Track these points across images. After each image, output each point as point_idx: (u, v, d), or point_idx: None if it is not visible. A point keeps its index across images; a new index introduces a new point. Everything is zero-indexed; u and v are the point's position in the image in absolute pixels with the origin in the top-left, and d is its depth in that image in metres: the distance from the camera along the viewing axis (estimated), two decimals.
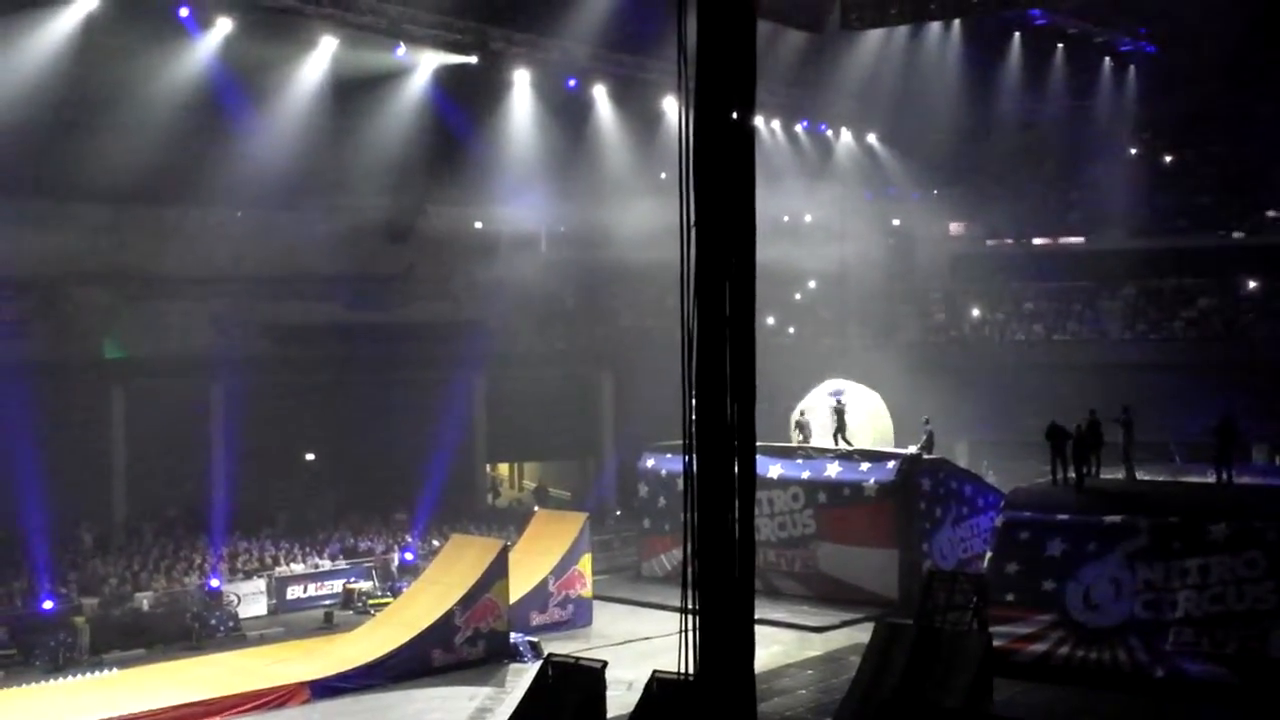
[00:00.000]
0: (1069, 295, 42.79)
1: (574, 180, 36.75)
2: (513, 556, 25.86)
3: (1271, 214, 41.16)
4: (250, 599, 28.12)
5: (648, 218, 31.50)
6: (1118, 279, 41.58)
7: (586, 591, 27.55)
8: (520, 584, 25.85)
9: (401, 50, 31.23)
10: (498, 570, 24.87)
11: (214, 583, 27.62)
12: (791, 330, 43.03)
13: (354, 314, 35.29)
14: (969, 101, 39.95)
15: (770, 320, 40.03)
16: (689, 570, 11.35)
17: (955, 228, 45.59)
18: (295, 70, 30.15)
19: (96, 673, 23.06)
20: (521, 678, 21.73)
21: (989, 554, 24.74)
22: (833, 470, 29.76)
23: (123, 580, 27.09)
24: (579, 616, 27.23)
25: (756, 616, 11.86)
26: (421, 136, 32.59)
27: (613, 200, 36.61)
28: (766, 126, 39.02)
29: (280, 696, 21.58)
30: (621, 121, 36.14)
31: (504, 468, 43.97)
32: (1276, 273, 39.84)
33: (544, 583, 26.70)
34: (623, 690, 17.32)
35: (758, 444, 11.60)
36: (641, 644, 24.85)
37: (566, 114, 35.29)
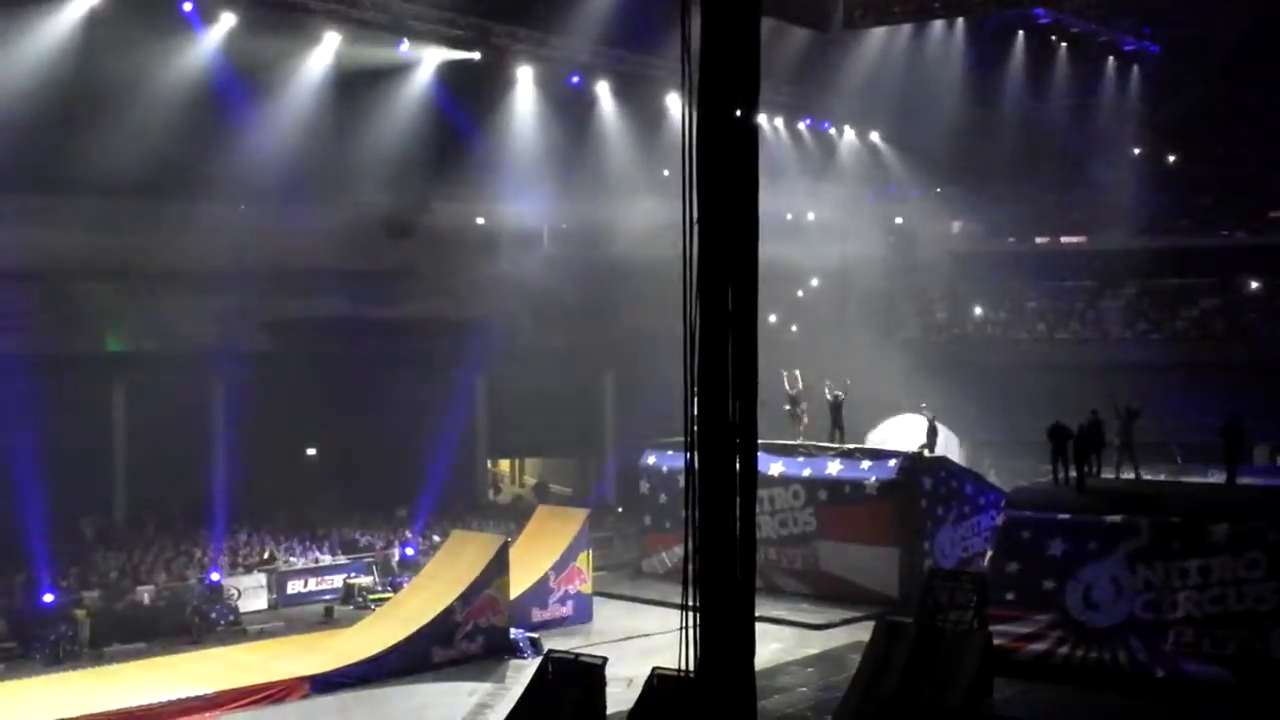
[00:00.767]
0: (1071, 294, 42.79)
1: (577, 177, 36.74)
2: (513, 552, 25.88)
3: (1274, 214, 41.14)
4: (251, 593, 28.14)
5: (650, 215, 31.50)
6: (1119, 278, 41.58)
7: (587, 588, 27.56)
8: (521, 580, 25.87)
9: (405, 46, 31.21)
10: (498, 566, 24.89)
11: (214, 577, 27.64)
12: (794, 328, 43.03)
13: (356, 309, 35.29)
14: (972, 100, 39.94)
15: (772, 318, 40.02)
16: (689, 567, 11.35)
17: (957, 226, 45.59)
18: (298, 65, 30.15)
19: (96, 666, 23.06)
20: (521, 674, 21.74)
21: (989, 553, 24.76)
22: (834, 468, 29.77)
23: (123, 574, 27.10)
24: (579, 613, 27.25)
25: (757, 614, 11.86)
26: (424, 132, 32.57)
27: (615, 197, 36.61)
28: (769, 124, 39.00)
29: (280, 691, 21.60)
30: (624, 118, 36.13)
31: (505, 464, 43.98)
32: (1278, 273, 39.83)
33: (544, 579, 26.71)
34: (622, 687, 17.32)
35: (759, 441, 11.60)
36: (642, 641, 24.85)
37: (569, 111, 35.29)
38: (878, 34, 38.01)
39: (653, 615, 26.43)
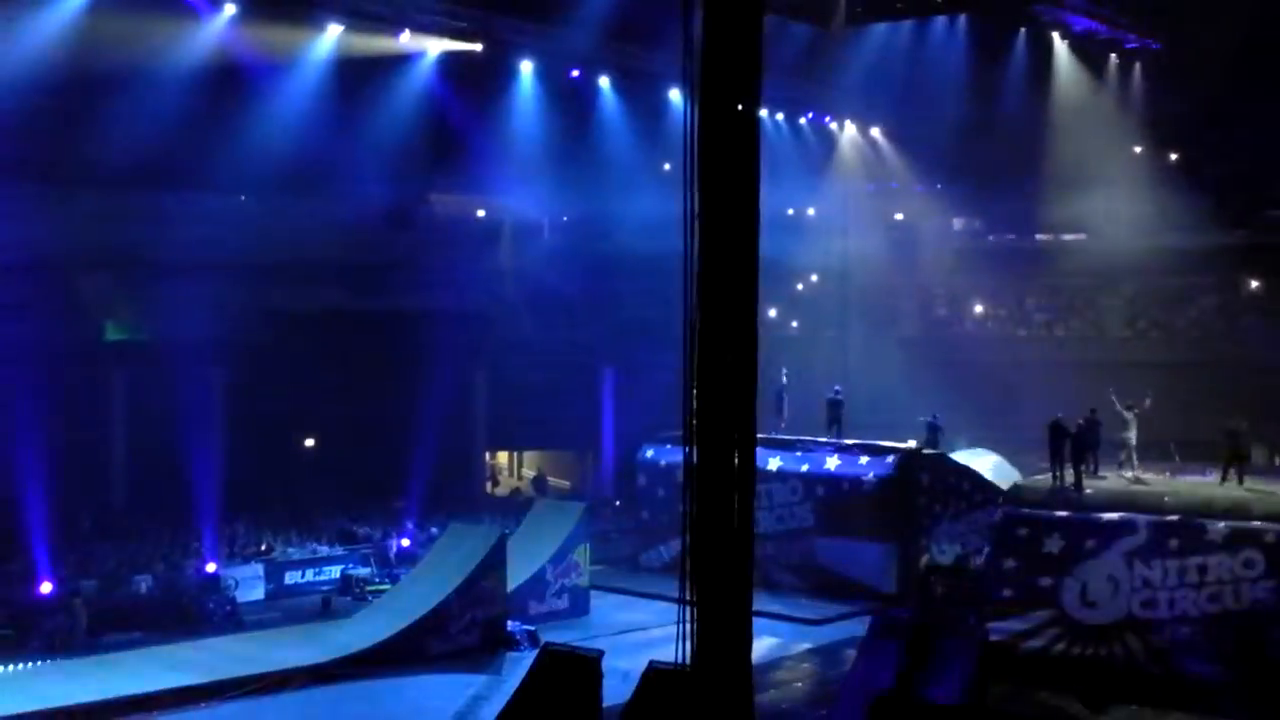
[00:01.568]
0: (1070, 292, 42.75)
1: (577, 170, 36.71)
2: (511, 545, 25.86)
3: (1274, 213, 41.11)
4: (248, 584, 28.12)
5: (651, 209, 31.46)
6: (1119, 276, 41.56)
7: (584, 581, 27.57)
8: (518, 573, 25.87)
9: (406, 37, 31.18)
10: (496, 559, 24.88)
11: (212, 567, 27.63)
12: (795, 324, 43.03)
13: (355, 301, 35.28)
14: (973, 96, 39.88)
15: (772, 313, 40.03)
16: (687, 561, 11.37)
17: (958, 223, 45.56)
18: (300, 55, 30.12)
19: (93, 655, 23.07)
20: (518, 666, 21.73)
21: (987, 549, 24.75)
22: (832, 464, 29.78)
23: (121, 563, 27.11)
24: (576, 606, 27.26)
25: (753, 609, 11.88)
26: (425, 124, 32.56)
27: (615, 191, 36.57)
28: (771, 119, 38.96)
29: (277, 682, 21.59)
30: (625, 112, 36.10)
31: (503, 456, 44.01)
32: (1278, 272, 39.81)
33: (542, 572, 26.70)
34: (619, 680, 17.30)
35: (757, 436, 11.61)
36: (639, 634, 24.87)
37: (570, 104, 35.25)
38: (880, 29, 37.95)
39: (650, 609, 26.46)
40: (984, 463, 30.99)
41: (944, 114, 39.41)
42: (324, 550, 30.10)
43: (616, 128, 36.23)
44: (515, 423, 38.69)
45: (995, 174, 42.45)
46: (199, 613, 25.88)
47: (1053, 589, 22.67)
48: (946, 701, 18.28)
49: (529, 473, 43.37)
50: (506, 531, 26.89)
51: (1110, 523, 22.70)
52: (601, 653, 17.57)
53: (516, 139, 34.68)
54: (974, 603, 21.96)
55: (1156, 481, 24.82)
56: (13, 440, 26.78)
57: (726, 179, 11.25)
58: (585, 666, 17.26)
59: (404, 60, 32.12)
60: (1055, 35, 39.75)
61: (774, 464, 29.75)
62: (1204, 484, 24.60)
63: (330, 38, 29.97)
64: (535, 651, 19.93)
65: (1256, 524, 21.71)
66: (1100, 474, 24.91)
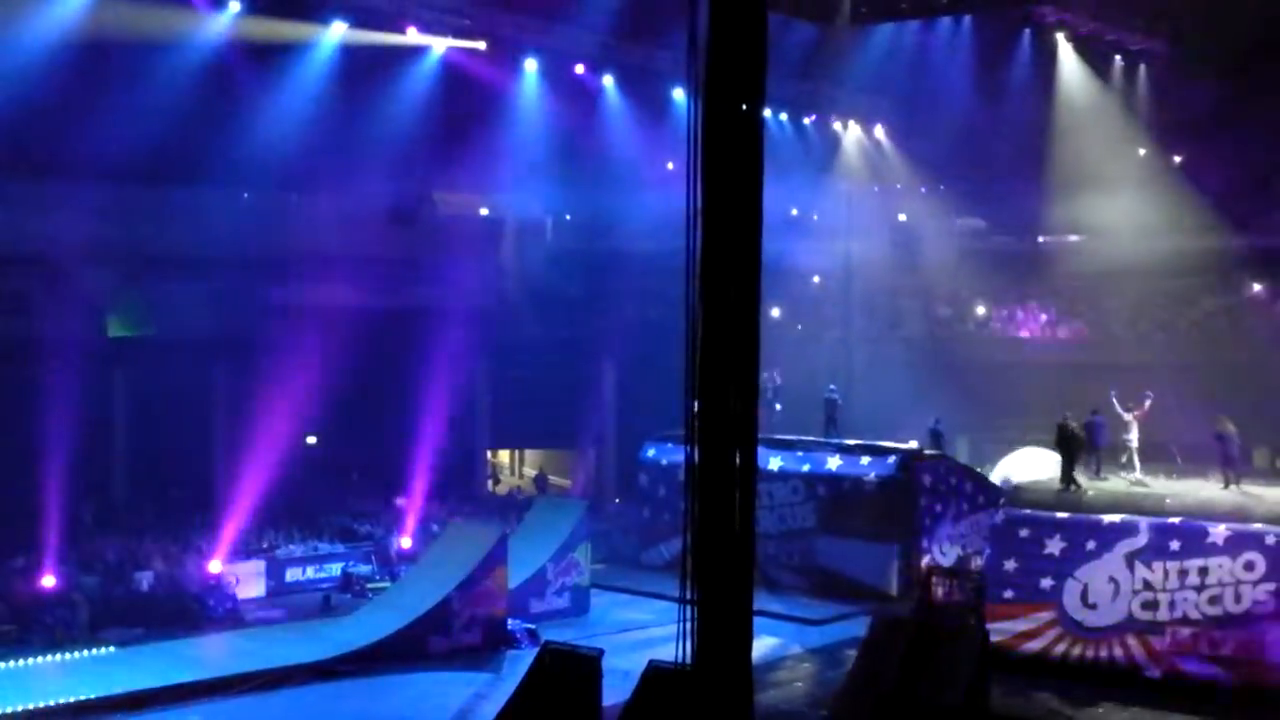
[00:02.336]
0: (1073, 293, 42.69)
1: (580, 168, 36.70)
2: (512, 543, 25.86)
3: (1277, 215, 41.04)
4: (249, 580, 28.11)
5: (653, 207, 31.43)
6: (1122, 278, 41.49)
7: (584, 580, 27.56)
8: (519, 571, 25.87)
9: (410, 34, 31.17)
10: (496, 557, 24.88)
11: (213, 564, 27.63)
12: (800, 327, 43.00)
13: (358, 297, 35.22)
14: (977, 97, 39.85)
15: (775, 312, 40.00)
16: (688, 560, 11.36)
17: (961, 223, 45.50)
18: (304, 52, 30.11)
19: (94, 651, 23.09)
20: (518, 664, 21.72)
21: (988, 550, 24.75)
22: (834, 464, 29.78)
23: (122, 559, 27.11)
24: (577, 604, 27.26)
25: (754, 608, 11.86)
26: (428, 121, 32.54)
27: (619, 189, 36.54)
28: (774, 119, 38.94)
29: (277, 678, 21.59)
30: (629, 110, 36.08)
31: (504, 455, 43.99)
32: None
33: (542, 570, 26.71)
34: (619, 679, 17.31)
35: (759, 436, 11.60)
36: (639, 633, 24.88)
37: (574, 102, 35.24)
38: (884, 30, 37.91)
39: (651, 608, 26.47)
40: (1038, 461, 30.60)
41: (948, 115, 39.39)
42: (325, 547, 30.11)
43: (620, 126, 36.22)
44: (517, 421, 38.66)
45: (999, 175, 42.44)
46: (200, 609, 25.90)
47: (1054, 590, 22.67)
48: (947, 703, 18.29)
49: (530, 471, 43.35)
50: (507, 530, 26.89)
51: (1111, 524, 22.71)
52: (602, 651, 17.59)
53: (520, 137, 34.67)
54: (975, 604, 21.88)
55: (1157, 483, 24.82)
56: (15, 435, 26.76)
57: (729, 178, 11.24)
58: (585, 665, 17.27)
59: (408, 57, 32.12)
60: (1060, 36, 39.68)
61: (775, 464, 29.74)
62: (1205, 486, 24.60)
63: (334, 34, 29.97)
64: (535, 650, 19.94)
65: (1257, 526, 21.75)
66: (1102, 475, 24.91)
